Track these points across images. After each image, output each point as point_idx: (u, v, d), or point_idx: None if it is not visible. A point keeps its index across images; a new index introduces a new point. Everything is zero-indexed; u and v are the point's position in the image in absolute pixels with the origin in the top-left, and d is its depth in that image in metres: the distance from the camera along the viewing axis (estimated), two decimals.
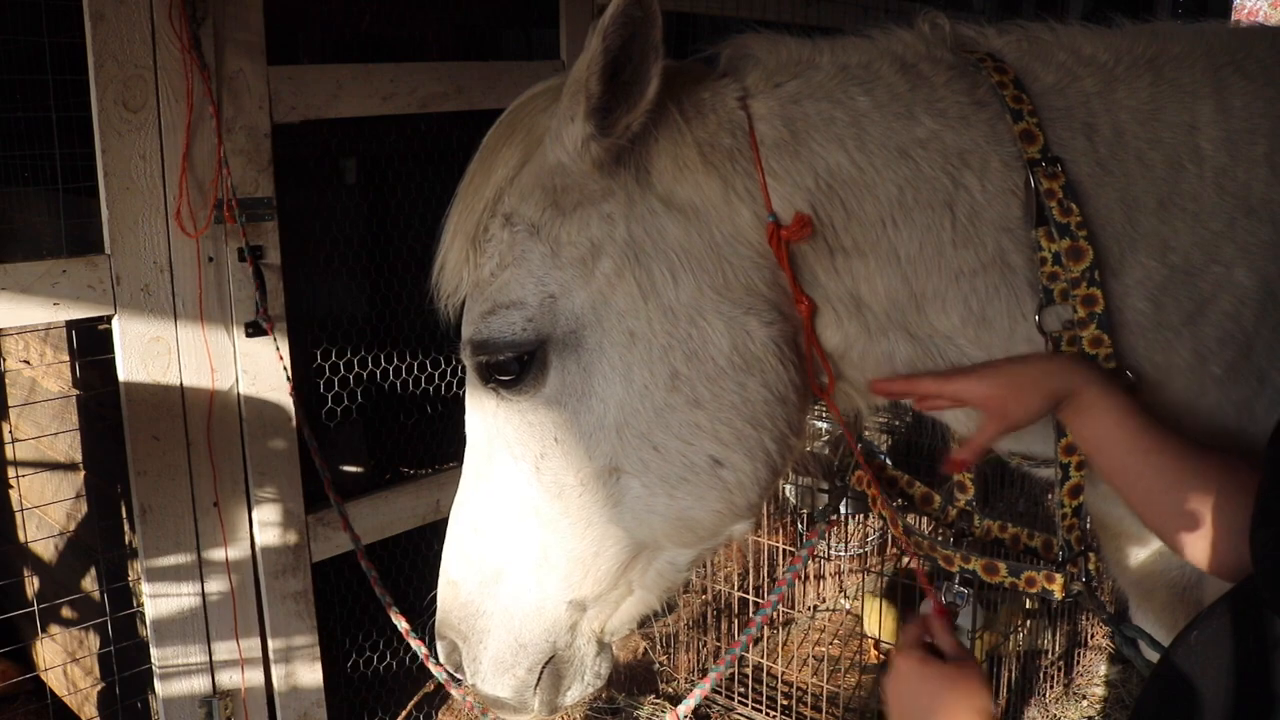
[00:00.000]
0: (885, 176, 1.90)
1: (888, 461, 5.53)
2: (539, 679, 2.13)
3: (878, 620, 5.51)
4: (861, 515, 6.03)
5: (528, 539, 2.06)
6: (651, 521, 2.00)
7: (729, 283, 1.91)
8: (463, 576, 2.15)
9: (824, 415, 2.16)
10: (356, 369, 4.17)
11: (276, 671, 3.88)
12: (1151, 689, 1.70)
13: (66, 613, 4.38)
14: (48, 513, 4.45)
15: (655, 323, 1.90)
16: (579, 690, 2.18)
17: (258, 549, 3.78)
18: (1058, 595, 2.10)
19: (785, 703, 5.16)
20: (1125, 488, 1.87)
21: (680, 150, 1.90)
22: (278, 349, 3.61)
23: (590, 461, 1.97)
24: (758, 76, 1.98)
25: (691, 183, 1.90)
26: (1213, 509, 1.77)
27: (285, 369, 3.63)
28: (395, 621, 3.24)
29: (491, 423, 2.07)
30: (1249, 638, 1.38)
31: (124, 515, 3.96)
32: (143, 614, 3.66)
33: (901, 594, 5.29)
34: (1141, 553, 2.52)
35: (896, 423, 6.17)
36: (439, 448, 4.64)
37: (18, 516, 4.61)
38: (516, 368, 1.95)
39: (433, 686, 2.34)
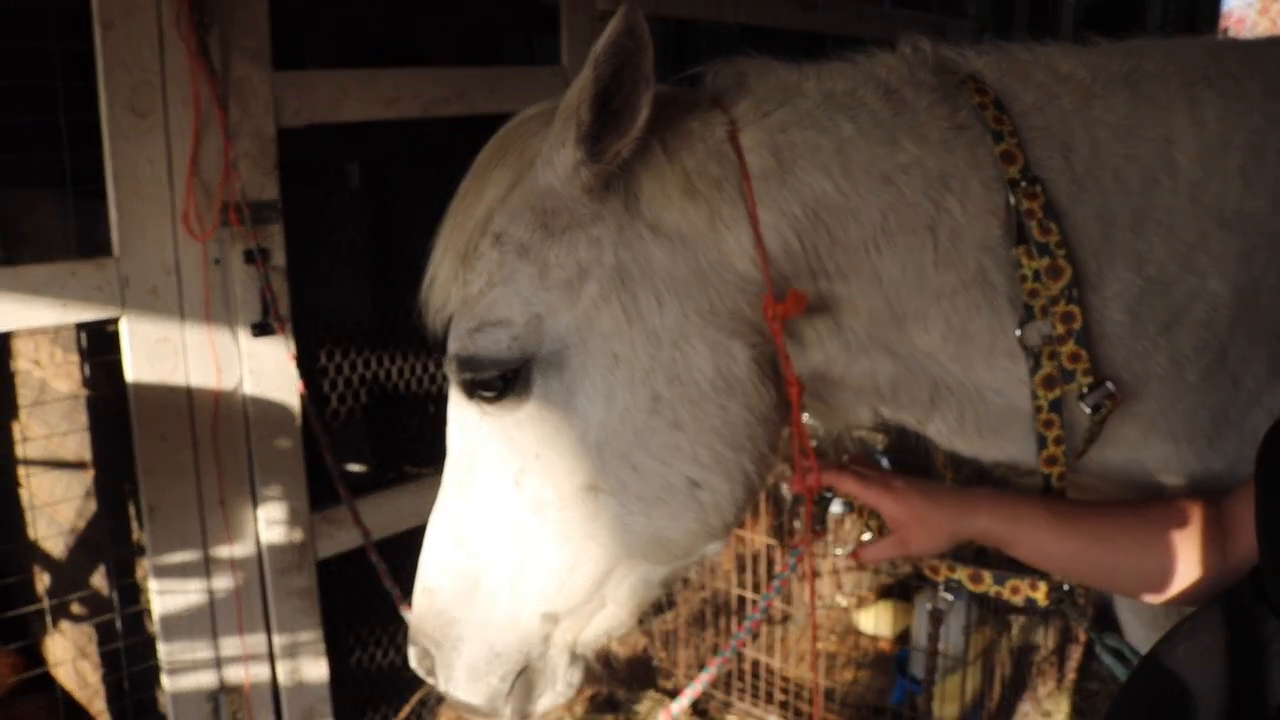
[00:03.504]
0: (869, 202, 1.92)
1: (885, 463, 5.58)
2: (511, 687, 2.15)
3: (872, 619, 5.57)
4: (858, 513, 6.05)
5: (505, 551, 2.08)
6: (627, 539, 2.02)
7: (714, 308, 1.93)
8: (439, 585, 2.17)
9: (813, 416, 2.20)
10: (360, 369, 4.21)
11: (282, 667, 3.93)
12: (1139, 699, 1.75)
13: (76, 609, 4.43)
14: (57, 511, 4.49)
15: (639, 346, 1.92)
16: (550, 699, 2.20)
17: (263, 547, 3.83)
18: (1042, 602, 2.15)
19: (783, 698, 5.20)
20: (1081, 577, 2.04)
21: (668, 178, 1.92)
22: (290, 349, 3.65)
23: (570, 479, 1.99)
24: (746, 106, 2.00)
25: (679, 210, 1.92)
26: (1177, 551, 1.85)
27: (295, 366, 3.68)
28: (405, 615, 3.27)
29: (474, 436, 2.09)
30: (1244, 649, 1.42)
31: (132, 513, 4.01)
32: (151, 610, 3.71)
33: (899, 591, 5.34)
34: None
35: (891, 422, 6.19)
36: (441, 447, 4.67)
37: (28, 514, 4.65)
38: (500, 384, 1.97)
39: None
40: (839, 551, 6.04)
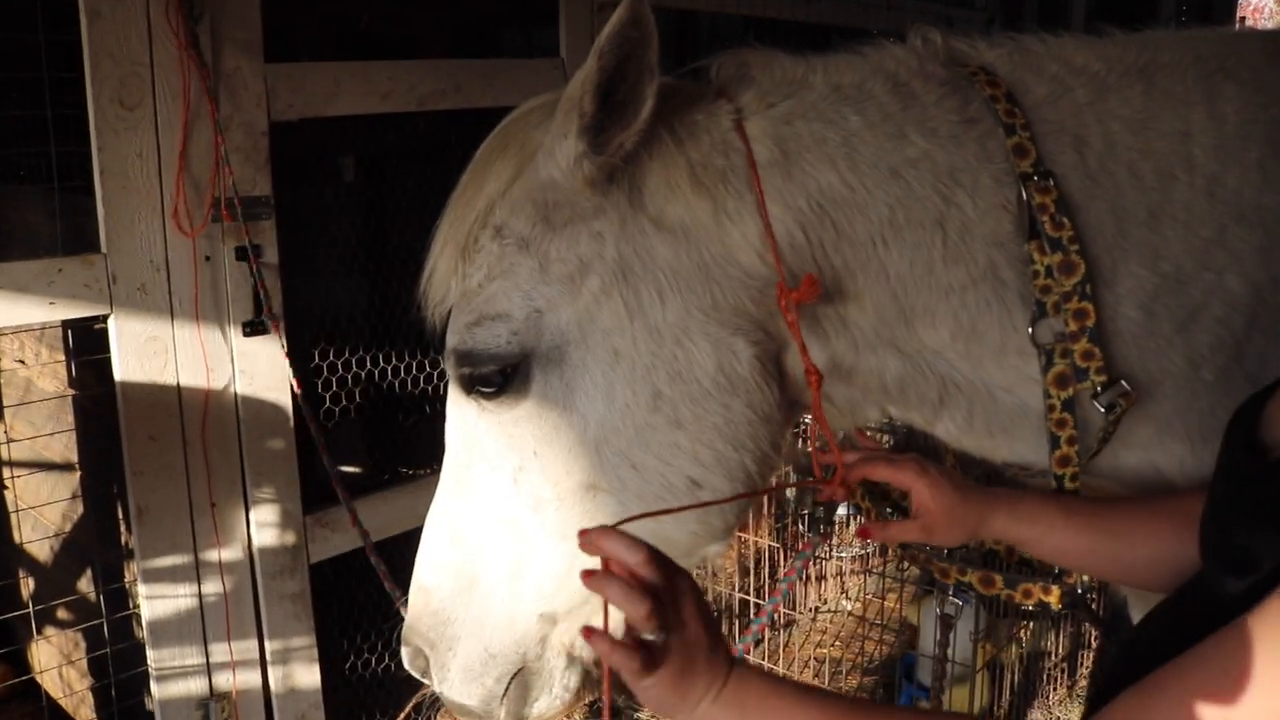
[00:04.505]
0: (876, 196, 1.89)
1: None
2: (506, 689, 2.12)
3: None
4: (863, 516, 6.02)
5: (502, 550, 2.06)
6: None
7: (717, 303, 1.90)
8: (435, 584, 2.15)
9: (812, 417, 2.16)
10: (355, 368, 4.16)
11: (274, 673, 3.88)
12: (1118, 671, 1.72)
13: (62, 614, 4.38)
14: (43, 513, 4.45)
15: (640, 342, 1.90)
16: (546, 703, 2.16)
17: (255, 550, 3.78)
18: (1055, 606, 2.11)
19: None
20: (1100, 572, 2.03)
21: (672, 170, 1.90)
22: (283, 346, 3.60)
23: (568, 477, 1.96)
24: (751, 96, 1.97)
25: (682, 203, 1.89)
26: (1190, 542, 1.81)
27: (289, 365, 3.62)
28: (405, 615, 3.23)
29: (471, 433, 2.07)
30: (1212, 623, 1.39)
31: (120, 516, 3.96)
32: (139, 615, 3.66)
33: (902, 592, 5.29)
34: None
35: (898, 423, 6.16)
36: (438, 447, 4.63)
37: (13, 517, 4.60)
38: (499, 380, 1.95)
39: (431, 689, 2.37)
40: (843, 553, 6.00)
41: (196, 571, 3.64)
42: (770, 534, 5.56)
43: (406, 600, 2.41)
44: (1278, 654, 1.25)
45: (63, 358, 4.09)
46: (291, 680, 3.94)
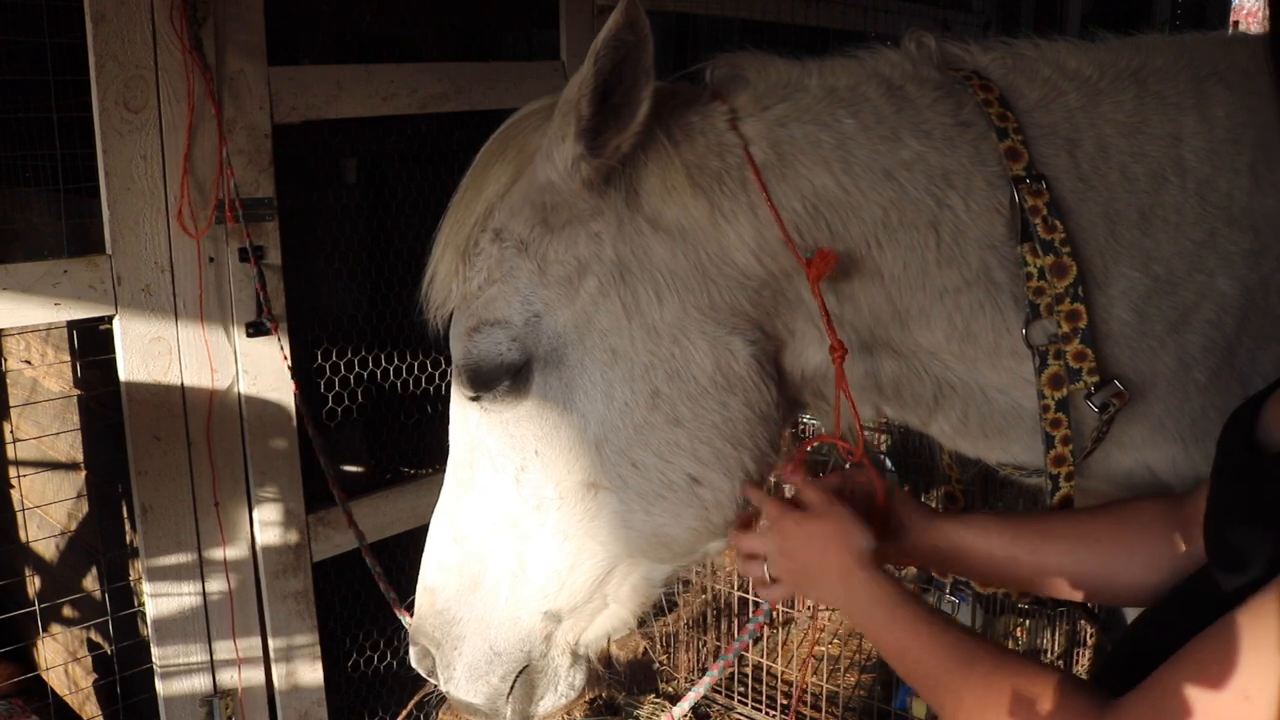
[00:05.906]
0: (870, 198, 1.90)
1: (888, 463, 5.55)
2: (512, 687, 2.14)
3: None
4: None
5: (505, 549, 2.08)
6: (628, 537, 2.01)
7: (714, 303, 1.91)
8: (440, 583, 2.17)
9: (811, 416, 2.17)
10: (357, 369, 4.18)
11: (277, 671, 3.90)
12: (1114, 663, 1.74)
13: (68, 612, 4.40)
14: (49, 512, 4.46)
15: (638, 342, 1.91)
16: (552, 700, 2.19)
17: (258, 548, 3.80)
18: (1051, 604, 2.13)
19: (785, 702, 5.17)
20: (1040, 584, 1.98)
21: (668, 172, 1.91)
22: (281, 348, 3.61)
23: (569, 475, 1.98)
24: (746, 99, 1.98)
25: (679, 204, 1.90)
26: (1132, 544, 1.84)
27: (288, 367, 3.63)
28: (400, 618, 3.25)
29: (474, 433, 2.08)
30: (1203, 619, 1.42)
31: (125, 515, 3.98)
32: (144, 613, 3.68)
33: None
34: None
35: (893, 422, 6.17)
36: (439, 447, 4.64)
37: (19, 516, 4.64)
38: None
39: (433, 687, 2.38)
40: None
41: (200, 570, 3.65)
42: None
43: (401, 602, 2.44)
44: (1259, 649, 1.27)
45: (68, 358, 4.10)
46: (295, 678, 3.95)
